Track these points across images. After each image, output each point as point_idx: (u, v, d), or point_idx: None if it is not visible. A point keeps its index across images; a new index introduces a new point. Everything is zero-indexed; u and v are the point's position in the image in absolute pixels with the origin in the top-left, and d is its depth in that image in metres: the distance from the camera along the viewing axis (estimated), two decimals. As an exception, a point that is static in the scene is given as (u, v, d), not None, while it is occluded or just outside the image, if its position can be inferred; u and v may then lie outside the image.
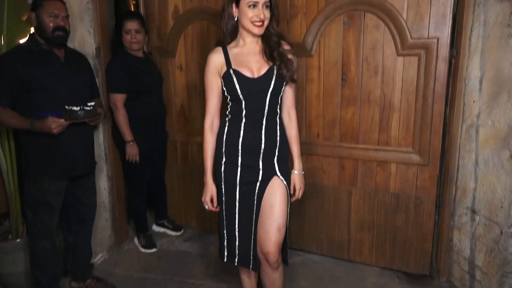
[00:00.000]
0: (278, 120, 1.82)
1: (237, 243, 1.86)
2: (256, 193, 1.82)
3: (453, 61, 2.14)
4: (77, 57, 2.26)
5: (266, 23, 1.70)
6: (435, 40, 2.12)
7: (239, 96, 1.72)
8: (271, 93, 1.74)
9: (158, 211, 3.12)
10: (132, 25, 2.59)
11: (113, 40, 2.72)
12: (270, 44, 1.75)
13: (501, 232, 1.98)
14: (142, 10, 2.88)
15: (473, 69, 2.07)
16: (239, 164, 1.80)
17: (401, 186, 2.37)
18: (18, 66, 1.96)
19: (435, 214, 2.35)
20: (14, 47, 2.12)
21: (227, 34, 1.78)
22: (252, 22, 1.68)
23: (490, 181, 2.04)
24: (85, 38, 2.49)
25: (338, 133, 2.46)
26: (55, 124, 1.92)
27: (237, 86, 1.71)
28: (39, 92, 2.00)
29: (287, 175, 1.86)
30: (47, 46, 2.05)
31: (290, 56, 1.77)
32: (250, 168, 1.80)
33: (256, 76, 1.73)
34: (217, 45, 1.82)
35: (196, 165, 2.97)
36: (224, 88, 1.75)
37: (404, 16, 2.15)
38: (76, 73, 2.15)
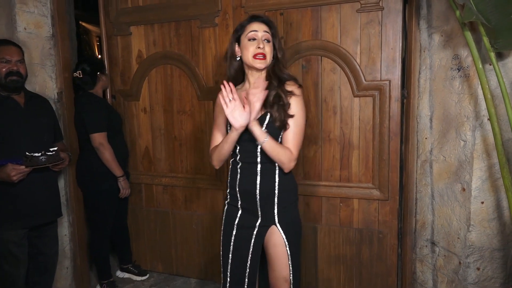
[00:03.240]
0: (277, 166, 1.73)
1: (228, 285, 1.82)
2: (253, 238, 1.77)
3: (405, 101, 2.29)
4: (39, 101, 2.23)
5: (268, 58, 1.69)
6: (387, 82, 2.26)
7: None
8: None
9: (123, 255, 3.02)
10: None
11: (82, 83, 2.72)
12: (271, 88, 1.70)
13: (460, 263, 2.06)
14: (105, 54, 2.91)
15: (423, 108, 2.21)
16: (239, 207, 1.80)
17: (364, 221, 2.44)
18: None
19: (397, 247, 2.42)
20: None
21: (231, 79, 1.77)
22: (253, 56, 1.66)
23: (446, 213, 2.14)
24: (46, 84, 2.48)
25: (302, 171, 2.52)
26: (15, 171, 1.88)
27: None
28: (0, 139, 1.96)
29: (288, 224, 1.77)
30: (5, 92, 2.02)
31: (292, 98, 1.69)
32: (249, 213, 1.77)
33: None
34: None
35: (160, 207, 2.94)
36: (227, 128, 1.75)
37: (358, 60, 2.29)
38: (38, 118, 2.12)
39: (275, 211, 1.75)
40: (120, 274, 3.03)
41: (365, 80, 2.30)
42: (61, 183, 2.58)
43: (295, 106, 1.70)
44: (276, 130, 1.70)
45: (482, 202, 1.94)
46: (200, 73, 2.65)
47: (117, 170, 2.61)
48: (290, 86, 1.72)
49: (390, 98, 2.27)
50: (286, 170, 1.73)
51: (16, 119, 2.03)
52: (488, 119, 1.79)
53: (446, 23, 2.03)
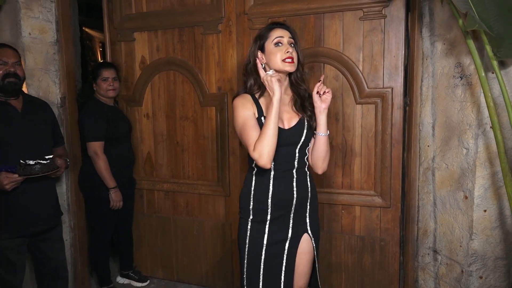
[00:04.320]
0: (307, 171, 1.78)
1: None
2: (285, 254, 1.72)
3: (407, 108, 2.29)
4: (38, 106, 2.19)
5: (296, 61, 1.69)
6: (390, 90, 2.27)
7: None
8: (301, 145, 1.72)
9: (124, 261, 3.01)
10: (109, 73, 2.65)
11: (81, 90, 2.73)
12: (300, 93, 1.76)
13: (462, 271, 2.05)
14: (109, 60, 2.92)
15: (426, 116, 2.22)
16: (268, 221, 1.70)
17: (366, 228, 2.43)
18: None
19: (399, 255, 2.41)
20: None
21: (247, 89, 1.75)
22: (283, 60, 1.65)
23: (448, 221, 2.14)
24: (50, 88, 2.49)
25: (304, 178, 2.52)
26: (7, 180, 1.85)
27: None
28: None
29: (316, 232, 1.80)
30: (3, 96, 2.00)
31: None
32: (279, 225, 1.71)
33: (287, 127, 1.71)
34: (238, 94, 1.79)
35: (162, 213, 2.93)
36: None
37: (361, 67, 2.30)
38: (35, 124, 2.08)
39: (307, 218, 1.77)
40: (120, 279, 3.02)
41: (367, 87, 2.31)
42: (63, 188, 2.58)
43: None
44: (311, 135, 1.76)
45: (485, 210, 1.94)
46: (203, 79, 2.66)
47: (109, 181, 2.58)
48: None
49: (392, 105, 2.27)
50: (322, 171, 1.79)
51: (13, 125, 1.99)
52: (491, 127, 1.79)
53: (448, 31, 2.04)
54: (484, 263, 1.98)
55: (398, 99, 2.27)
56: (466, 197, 2.01)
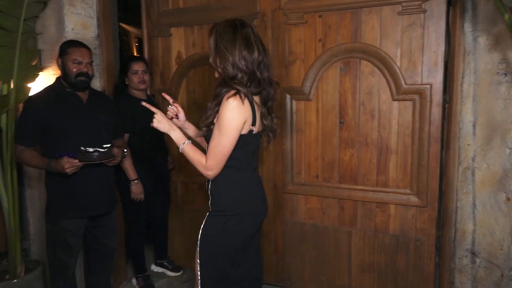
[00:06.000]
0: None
1: None
2: None
3: (446, 106, 2.22)
4: (101, 99, 2.33)
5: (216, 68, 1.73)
6: (428, 86, 2.20)
7: None
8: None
9: (159, 251, 3.09)
10: (139, 66, 2.70)
11: (117, 84, 2.81)
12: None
13: (502, 275, 1.98)
14: (146, 55, 2.99)
15: (466, 113, 2.14)
16: None
17: (401, 227, 2.39)
18: (42, 108, 2.06)
19: (435, 256, 2.35)
20: (42, 89, 2.20)
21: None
22: None
23: (489, 223, 2.06)
24: (91, 82, 2.58)
25: (337, 175, 2.50)
26: (68, 164, 1.96)
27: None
28: (59, 133, 2.07)
29: (205, 234, 1.74)
30: (71, 89, 2.14)
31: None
32: None
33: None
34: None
35: (196, 205, 2.98)
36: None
37: (398, 63, 2.25)
38: (97, 115, 2.21)
39: (207, 214, 1.76)
40: (155, 268, 3.11)
41: (405, 83, 2.25)
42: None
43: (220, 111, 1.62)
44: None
45: (528, 213, 1.86)
46: (237, 74, 2.68)
47: (130, 173, 2.64)
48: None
49: (431, 102, 2.21)
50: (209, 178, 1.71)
51: (77, 115, 2.13)
52: (537, 127, 1.72)
53: (493, 26, 1.96)
54: (526, 267, 1.91)
55: (437, 96, 2.20)
56: (508, 199, 1.94)
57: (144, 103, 1.80)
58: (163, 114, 1.73)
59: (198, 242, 1.74)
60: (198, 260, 1.73)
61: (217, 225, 1.72)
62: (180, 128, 1.78)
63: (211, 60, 1.70)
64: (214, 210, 1.74)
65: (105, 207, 2.26)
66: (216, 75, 1.73)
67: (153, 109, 1.73)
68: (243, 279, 1.79)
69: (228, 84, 1.62)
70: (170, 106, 1.80)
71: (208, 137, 1.68)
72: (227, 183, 1.71)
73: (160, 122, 1.71)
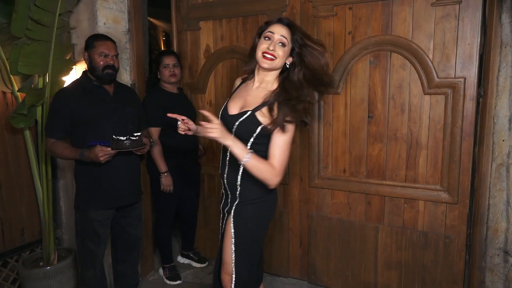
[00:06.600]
0: (241, 167, 1.71)
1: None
2: (224, 221, 1.89)
3: (480, 100, 2.16)
4: (126, 91, 2.38)
5: (278, 61, 1.67)
6: (462, 80, 2.14)
7: None
8: (234, 135, 1.66)
9: (186, 242, 3.15)
10: (170, 60, 2.74)
11: (148, 78, 2.85)
12: (289, 93, 1.67)
13: (537, 275, 1.92)
14: (175, 49, 3.03)
15: (502, 108, 2.07)
16: (223, 191, 1.90)
17: (430, 224, 2.34)
18: (71, 101, 2.11)
19: (465, 254, 2.29)
20: (70, 83, 2.26)
21: (248, 70, 1.83)
22: (262, 54, 1.67)
23: (523, 221, 2.00)
24: (121, 75, 2.64)
25: (365, 169, 2.47)
26: (102, 152, 2.01)
27: (219, 117, 1.76)
28: (89, 125, 2.13)
29: (238, 222, 1.78)
30: (98, 82, 2.19)
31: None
32: (224, 198, 1.88)
33: (232, 113, 1.73)
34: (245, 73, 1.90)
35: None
36: None
37: (430, 56, 2.19)
38: (124, 107, 2.26)
39: (233, 207, 1.79)
40: (181, 259, 3.16)
41: (437, 77, 2.20)
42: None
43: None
44: (250, 130, 1.67)
45: None
46: (265, 68, 2.68)
47: (161, 166, 2.69)
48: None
49: (464, 96, 2.15)
50: (271, 187, 1.68)
51: (105, 107, 2.18)
52: None
53: (533, 17, 1.88)
54: (563, 268, 1.84)
55: (471, 90, 2.14)
56: (545, 197, 1.87)
57: (170, 115, 1.71)
58: (221, 123, 1.62)
59: (233, 232, 1.79)
60: (233, 247, 1.78)
61: (251, 212, 1.78)
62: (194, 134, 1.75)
63: (282, 53, 1.68)
64: (245, 199, 1.78)
65: (132, 197, 2.31)
66: (267, 66, 1.69)
67: (211, 117, 1.59)
68: (259, 261, 1.96)
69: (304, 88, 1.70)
70: (179, 123, 1.68)
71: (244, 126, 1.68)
72: None
73: (221, 131, 1.59)
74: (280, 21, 1.72)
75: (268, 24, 1.74)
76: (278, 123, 1.61)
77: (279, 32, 1.67)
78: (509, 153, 2.06)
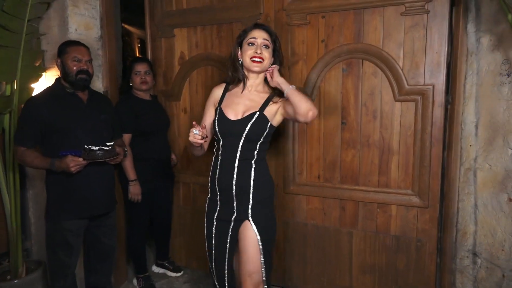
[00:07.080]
0: (253, 164, 1.85)
1: (214, 275, 1.99)
2: (230, 231, 1.89)
3: (448, 106, 2.23)
4: (100, 98, 2.34)
5: (266, 62, 1.83)
6: (431, 87, 2.21)
7: (217, 134, 1.86)
8: (245, 137, 1.80)
9: (160, 251, 3.10)
10: (141, 67, 2.71)
11: (121, 85, 2.82)
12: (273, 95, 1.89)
13: (503, 276, 1.98)
14: (149, 56, 3.00)
15: (469, 114, 2.15)
16: (219, 201, 1.90)
17: (402, 228, 2.39)
18: (43, 109, 2.05)
19: (436, 257, 2.35)
20: (42, 91, 2.19)
21: (229, 79, 1.94)
22: (251, 59, 1.81)
23: (490, 224, 2.07)
24: (93, 83, 2.57)
25: (339, 175, 2.51)
26: (73, 163, 1.97)
27: (216, 124, 1.84)
28: (61, 133, 2.07)
29: (261, 222, 1.85)
30: (71, 89, 2.14)
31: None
32: (227, 207, 1.89)
33: (233, 118, 1.83)
34: (224, 82, 1.97)
35: (197, 206, 2.99)
36: (214, 122, 1.89)
37: (401, 64, 2.25)
38: (98, 114, 2.22)
39: (249, 208, 1.85)
40: (155, 269, 3.11)
41: (407, 84, 2.26)
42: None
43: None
44: (260, 129, 1.81)
45: (530, 214, 1.87)
46: (240, 75, 2.69)
47: (129, 174, 2.64)
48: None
49: (433, 103, 2.22)
50: (308, 119, 1.73)
51: (78, 114, 2.13)
52: (540, 127, 1.72)
53: (496, 26, 1.97)
54: (528, 268, 1.91)
55: (440, 97, 2.21)
56: (510, 200, 1.95)
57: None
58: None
59: (259, 237, 1.83)
60: (262, 252, 1.83)
61: (269, 211, 1.91)
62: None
63: (267, 55, 1.84)
64: (260, 198, 1.86)
65: (106, 207, 2.27)
66: (259, 69, 1.85)
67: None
68: None
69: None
70: (195, 132, 1.68)
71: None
72: (266, 172, 1.92)
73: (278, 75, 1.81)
74: (258, 26, 1.87)
75: (246, 31, 1.87)
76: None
77: (260, 36, 1.83)
78: (476, 158, 2.13)
